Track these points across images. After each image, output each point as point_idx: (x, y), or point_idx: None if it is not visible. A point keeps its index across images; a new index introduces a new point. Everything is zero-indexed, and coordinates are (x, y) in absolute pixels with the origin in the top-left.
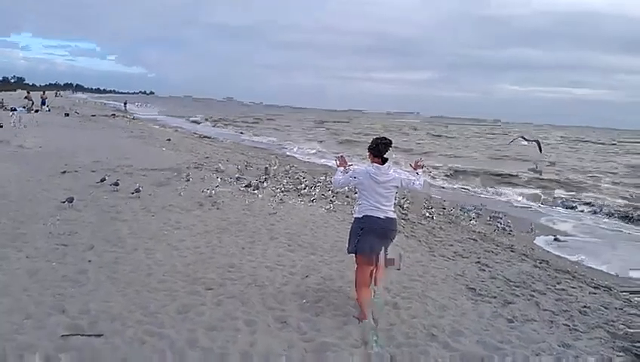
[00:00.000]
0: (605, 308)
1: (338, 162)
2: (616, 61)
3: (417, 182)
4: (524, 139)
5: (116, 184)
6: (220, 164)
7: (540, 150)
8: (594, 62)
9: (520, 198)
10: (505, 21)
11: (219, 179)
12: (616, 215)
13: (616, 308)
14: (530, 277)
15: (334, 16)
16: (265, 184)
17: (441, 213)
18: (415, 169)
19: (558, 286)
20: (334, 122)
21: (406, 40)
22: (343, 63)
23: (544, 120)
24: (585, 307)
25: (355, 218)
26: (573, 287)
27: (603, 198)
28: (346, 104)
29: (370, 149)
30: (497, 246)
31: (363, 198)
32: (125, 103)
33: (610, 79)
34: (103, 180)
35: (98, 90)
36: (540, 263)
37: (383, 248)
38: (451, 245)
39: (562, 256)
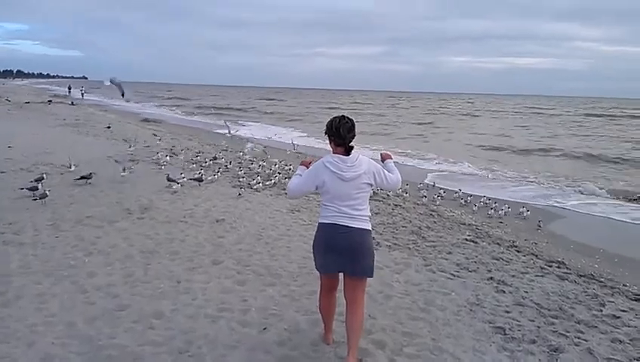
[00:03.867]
0: None
1: (302, 162)
2: (556, 29)
3: (392, 177)
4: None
5: (34, 188)
6: (159, 154)
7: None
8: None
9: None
10: None
11: (159, 175)
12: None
13: None
14: (563, 297)
15: None
16: (215, 176)
17: (409, 200)
18: (383, 161)
19: (603, 311)
20: (279, 101)
21: (353, 13)
22: (289, 40)
23: (490, 90)
24: None
25: (319, 223)
26: (612, 301)
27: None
28: (293, 82)
29: (329, 135)
30: (499, 244)
31: (326, 200)
32: (69, 88)
33: (553, 47)
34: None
35: (41, 75)
36: (559, 267)
37: (353, 269)
38: (449, 252)
39: (571, 248)
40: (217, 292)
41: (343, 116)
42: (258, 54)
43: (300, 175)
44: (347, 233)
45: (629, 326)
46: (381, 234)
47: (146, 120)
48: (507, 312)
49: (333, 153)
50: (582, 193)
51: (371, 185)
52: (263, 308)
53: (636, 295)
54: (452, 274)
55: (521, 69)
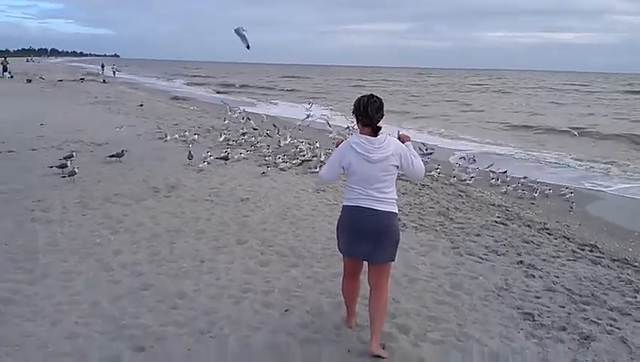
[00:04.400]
0: None
1: (336, 143)
2: (593, 3)
3: (418, 163)
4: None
5: (63, 166)
6: (187, 133)
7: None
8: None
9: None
10: None
11: (186, 153)
12: None
13: None
14: (595, 283)
15: None
16: (241, 155)
17: (438, 179)
18: (403, 143)
19: (638, 298)
20: (304, 78)
21: None
22: (316, 18)
23: (525, 66)
24: None
25: (343, 206)
26: None
27: None
28: (320, 59)
29: (357, 114)
30: (530, 227)
31: (352, 182)
32: (103, 66)
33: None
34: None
35: (75, 54)
36: (592, 251)
37: (378, 254)
38: (478, 235)
39: (604, 230)
40: (241, 272)
41: (371, 95)
42: (284, 31)
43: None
44: (374, 216)
45: None
46: (407, 215)
47: (175, 98)
48: (537, 298)
49: (360, 133)
50: (616, 175)
51: (398, 167)
52: (286, 290)
53: None
54: (480, 258)
55: (556, 44)
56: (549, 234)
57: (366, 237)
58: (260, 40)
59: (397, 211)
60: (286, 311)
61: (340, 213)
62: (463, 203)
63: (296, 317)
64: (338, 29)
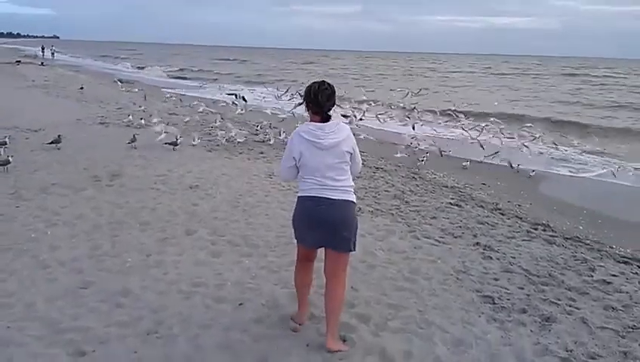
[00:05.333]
0: None
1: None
2: None
3: (359, 156)
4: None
5: None
6: (130, 117)
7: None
8: None
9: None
10: None
11: (132, 135)
12: None
13: None
14: (552, 263)
15: None
16: (195, 140)
17: (389, 160)
18: None
19: (594, 277)
20: (253, 63)
21: None
22: None
23: (468, 50)
24: None
25: (298, 197)
26: (602, 266)
27: None
28: (267, 41)
29: (307, 101)
30: (483, 207)
31: (305, 173)
32: (43, 48)
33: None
34: None
35: (11, 35)
36: (545, 231)
37: (335, 244)
38: (433, 217)
39: (553, 207)
40: (190, 265)
41: (323, 82)
42: (229, 12)
43: None
44: (330, 205)
45: (620, 292)
46: (362, 199)
47: (119, 80)
48: (495, 280)
49: (310, 121)
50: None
51: (351, 153)
52: (240, 282)
53: (623, 257)
54: (437, 241)
55: (498, 29)
56: (502, 214)
57: (323, 227)
58: (203, 21)
59: (355, 200)
60: (240, 305)
61: (295, 205)
62: (418, 185)
63: (251, 311)
64: (287, 10)
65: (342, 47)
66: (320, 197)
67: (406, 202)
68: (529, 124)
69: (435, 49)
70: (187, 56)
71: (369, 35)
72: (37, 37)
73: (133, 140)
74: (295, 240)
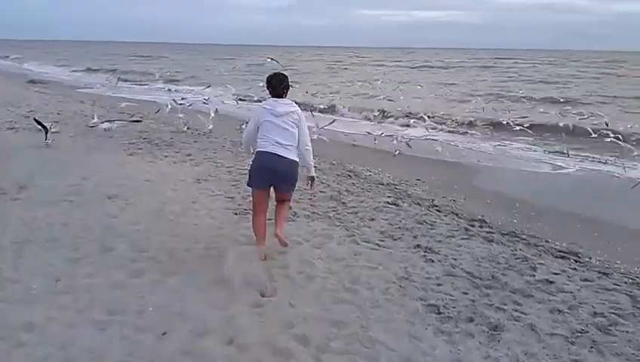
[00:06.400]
0: (619, 311)
1: None
2: None
3: (307, 134)
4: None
5: None
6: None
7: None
8: None
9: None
10: None
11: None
12: None
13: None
14: (493, 263)
15: None
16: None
17: (323, 158)
18: None
19: (536, 276)
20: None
21: None
22: None
23: (401, 43)
24: (596, 314)
25: (257, 151)
26: (542, 264)
27: None
28: (194, 37)
29: (267, 86)
30: (419, 205)
31: (262, 133)
32: None
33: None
34: None
35: None
36: (482, 227)
37: (281, 188)
38: (372, 219)
39: (487, 200)
40: (106, 288)
41: (278, 72)
42: (158, 6)
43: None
44: (279, 160)
45: (564, 292)
46: (298, 202)
47: (32, 81)
48: (439, 285)
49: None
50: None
51: (297, 125)
52: (163, 306)
53: (560, 252)
54: (377, 244)
55: (426, 22)
56: (439, 211)
57: (272, 174)
58: (131, 17)
59: (297, 160)
60: (163, 334)
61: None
62: (354, 184)
63: (176, 341)
64: (219, 4)
65: (271, 42)
66: (272, 153)
67: (343, 203)
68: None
69: (362, 43)
70: (99, 53)
71: (298, 30)
72: None
73: (46, 133)
74: (250, 189)
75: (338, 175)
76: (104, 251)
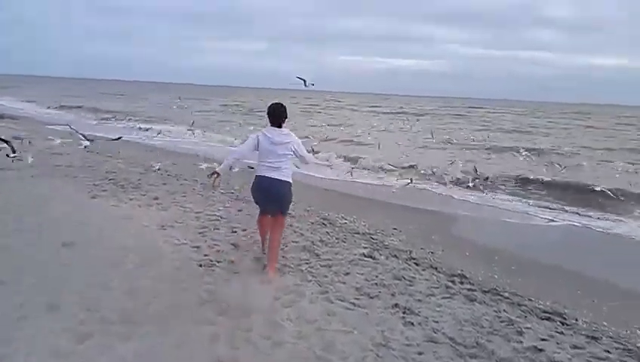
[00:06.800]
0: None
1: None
2: (437, 32)
3: (306, 153)
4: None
5: None
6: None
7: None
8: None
9: None
10: None
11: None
12: None
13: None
14: (477, 327)
15: None
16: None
17: (298, 203)
18: None
19: (524, 343)
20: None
21: (236, 6)
22: (172, 33)
23: (375, 89)
24: None
25: (255, 176)
26: (529, 328)
27: None
28: (176, 77)
29: (268, 114)
30: (397, 257)
31: (260, 158)
32: None
33: (433, 49)
34: None
35: None
36: (462, 283)
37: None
38: (347, 273)
39: (465, 253)
40: (46, 356)
41: (278, 103)
42: (137, 46)
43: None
44: (272, 181)
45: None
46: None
47: (0, 116)
48: (420, 354)
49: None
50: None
51: (293, 153)
52: None
53: (545, 312)
54: (352, 303)
55: (397, 69)
56: (417, 264)
57: (268, 197)
58: (110, 55)
59: (291, 181)
60: None
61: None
62: (328, 233)
63: None
64: (194, 45)
65: (247, 83)
66: (267, 176)
67: (316, 255)
68: None
69: (337, 88)
70: (75, 90)
71: (273, 72)
72: None
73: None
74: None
75: (312, 223)
76: (50, 309)
